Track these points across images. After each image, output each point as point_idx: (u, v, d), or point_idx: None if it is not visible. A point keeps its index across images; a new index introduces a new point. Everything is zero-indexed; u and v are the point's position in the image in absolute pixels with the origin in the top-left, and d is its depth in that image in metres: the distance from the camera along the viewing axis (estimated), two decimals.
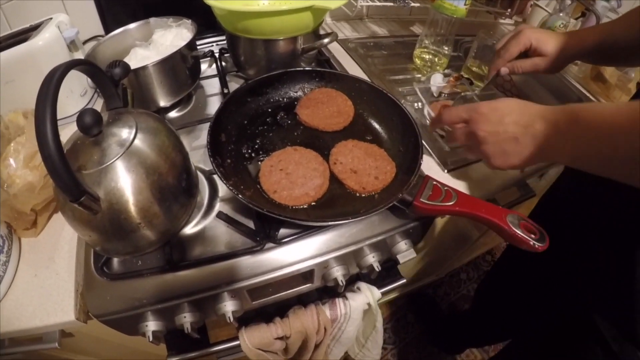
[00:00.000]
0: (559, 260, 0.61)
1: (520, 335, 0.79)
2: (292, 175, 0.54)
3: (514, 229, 0.45)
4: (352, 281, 0.64)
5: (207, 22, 0.74)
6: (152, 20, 0.70)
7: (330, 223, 0.49)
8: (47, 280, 0.52)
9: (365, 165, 0.57)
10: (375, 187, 0.55)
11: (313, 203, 0.53)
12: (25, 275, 0.52)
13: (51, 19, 0.67)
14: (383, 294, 0.64)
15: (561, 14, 1.00)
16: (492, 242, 1.42)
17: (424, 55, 0.85)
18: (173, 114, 0.71)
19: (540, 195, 0.73)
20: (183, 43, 0.63)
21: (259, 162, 0.57)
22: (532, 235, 0.45)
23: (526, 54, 0.62)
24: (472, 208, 0.48)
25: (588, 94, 0.89)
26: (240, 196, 0.46)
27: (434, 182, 0.52)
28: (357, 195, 0.55)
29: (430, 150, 0.66)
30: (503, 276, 0.86)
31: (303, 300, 0.62)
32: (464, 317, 1.18)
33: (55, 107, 0.34)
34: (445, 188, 0.51)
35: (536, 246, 0.45)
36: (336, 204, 0.53)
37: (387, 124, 0.64)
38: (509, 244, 0.81)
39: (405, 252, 0.57)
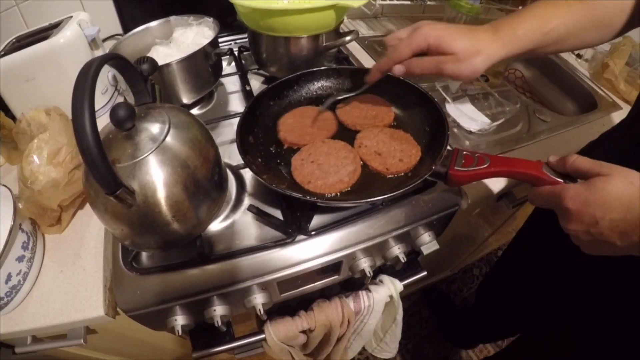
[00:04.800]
0: (563, 260, 0.61)
1: (526, 330, 0.79)
2: (324, 166, 0.54)
3: (553, 177, 0.44)
4: (374, 274, 0.64)
5: (223, 22, 0.74)
6: (173, 18, 0.71)
7: (370, 200, 0.48)
8: (74, 276, 0.52)
9: (390, 148, 0.57)
10: (399, 168, 0.55)
11: (348, 189, 0.53)
12: (50, 271, 0.52)
13: (71, 17, 0.67)
14: (405, 286, 0.64)
15: None
16: (504, 238, 1.43)
17: None
18: (195, 111, 0.72)
19: None
20: (205, 41, 0.64)
21: (289, 159, 0.57)
22: (569, 181, 0.44)
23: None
24: (507, 166, 0.47)
25: (599, 90, 0.91)
26: (275, 187, 0.46)
27: (464, 152, 0.51)
28: (390, 177, 0.55)
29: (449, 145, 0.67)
30: (506, 272, 0.87)
31: (326, 294, 0.63)
32: (473, 312, 1.19)
33: (93, 99, 0.34)
34: (477, 154, 0.50)
35: None
36: (371, 187, 0.54)
37: (409, 108, 0.64)
38: (512, 241, 0.82)
39: (428, 244, 0.58)
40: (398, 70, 0.50)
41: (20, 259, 0.49)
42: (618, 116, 0.83)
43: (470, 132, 0.69)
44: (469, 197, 0.60)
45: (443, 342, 1.29)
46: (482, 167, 0.48)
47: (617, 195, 0.35)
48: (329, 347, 0.68)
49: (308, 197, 0.47)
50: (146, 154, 0.42)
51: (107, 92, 0.71)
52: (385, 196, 0.47)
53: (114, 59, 0.43)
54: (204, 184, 0.46)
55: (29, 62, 0.62)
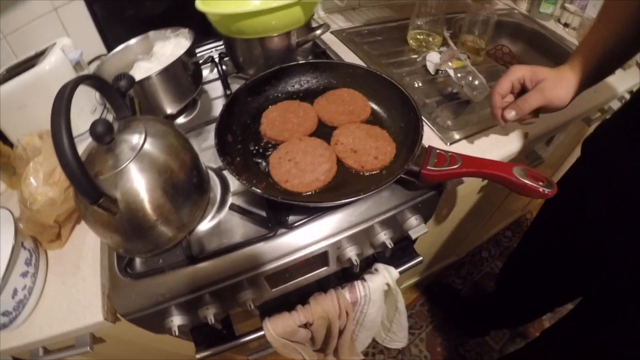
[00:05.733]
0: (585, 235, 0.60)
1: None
2: (300, 164, 0.55)
3: (522, 179, 0.46)
4: (369, 264, 0.65)
5: (204, 30, 0.76)
6: (151, 33, 0.73)
7: (343, 201, 0.50)
8: (75, 287, 0.54)
9: (365, 146, 0.58)
10: (374, 166, 0.56)
11: (324, 187, 0.54)
12: (53, 284, 0.55)
13: (55, 43, 0.70)
14: (401, 273, 0.64)
15: None
16: (512, 215, 1.40)
17: (418, 36, 0.85)
18: (181, 119, 0.74)
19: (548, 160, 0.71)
20: (183, 51, 0.65)
21: (268, 157, 0.58)
22: (540, 183, 0.46)
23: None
24: (478, 167, 0.49)
25: None
26: (253, 188, 0.48)
27: (437, 151, 0.52)
28: (366, 174, 0.56)
29: (431, 126, 0.67)
30: (529, 256, 0.84)
31: (323, 287, 0.63)
32: (487, 299, 1.16)
33: (69, 118, 0.37)
34: (449, 154, 0.51)
35: (546, 192, 0.46)
36: (346, 184, 0.55)
37: (386, 104, 0.65)
38: (531, 225, 0.81)
39: (416, 228, 0.58)
40: (510, 116, 0.56)
41: (24, 274, 0.52)
42: (610, 83, 0.81)
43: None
44: None
45: (456, 330, 1.26)
46: (454, 167, 0.50)
47: None
48: (333, 340, 0.68)
49: (284, 199, 0.48)
50: (125, 164, 0.44)
51: (96, 111, 0.74)
52: (359, 197, 0.49)
53: (89, 79, 0.46)
54: (183, 186, 0.47)
55: (19, 90, 0.65)
